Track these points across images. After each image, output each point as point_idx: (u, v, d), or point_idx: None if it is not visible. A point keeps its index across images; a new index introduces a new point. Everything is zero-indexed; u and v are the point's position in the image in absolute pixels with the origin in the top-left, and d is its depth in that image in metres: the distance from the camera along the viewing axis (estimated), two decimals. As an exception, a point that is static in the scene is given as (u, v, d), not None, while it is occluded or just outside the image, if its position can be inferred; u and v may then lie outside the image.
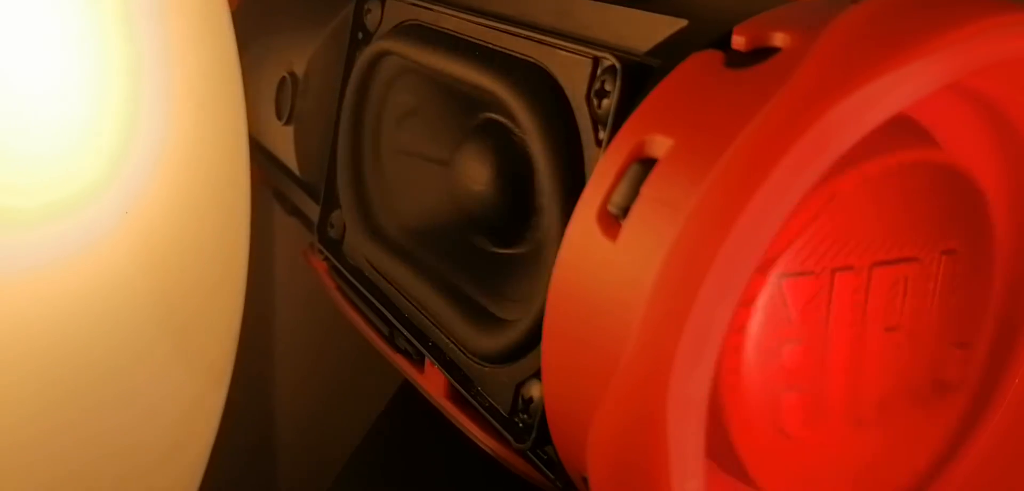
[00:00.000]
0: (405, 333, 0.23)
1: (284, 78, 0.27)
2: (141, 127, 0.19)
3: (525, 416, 0.18)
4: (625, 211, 0.14)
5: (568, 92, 0.17)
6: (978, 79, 0.16)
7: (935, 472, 0.18)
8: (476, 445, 0.23)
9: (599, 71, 0.17)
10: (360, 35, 0.25)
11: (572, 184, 0.17)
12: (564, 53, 0.18)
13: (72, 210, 0.18)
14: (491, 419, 0.19)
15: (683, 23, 0.17)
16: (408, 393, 0.29)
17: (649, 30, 0.17)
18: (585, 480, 0.16)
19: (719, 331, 0.13)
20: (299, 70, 0.26)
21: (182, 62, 0.20)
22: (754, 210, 0.12)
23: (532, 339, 0.18)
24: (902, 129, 0.16)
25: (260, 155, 0.29)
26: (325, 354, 0.35)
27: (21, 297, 0.17)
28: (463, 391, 0.20)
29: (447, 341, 0.21)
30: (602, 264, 0.14)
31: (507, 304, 0.20)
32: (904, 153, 0.15)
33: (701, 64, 0.15)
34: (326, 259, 0.26)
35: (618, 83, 0.16)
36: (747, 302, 0.14)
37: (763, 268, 0.14)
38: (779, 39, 0.14)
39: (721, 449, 0.15)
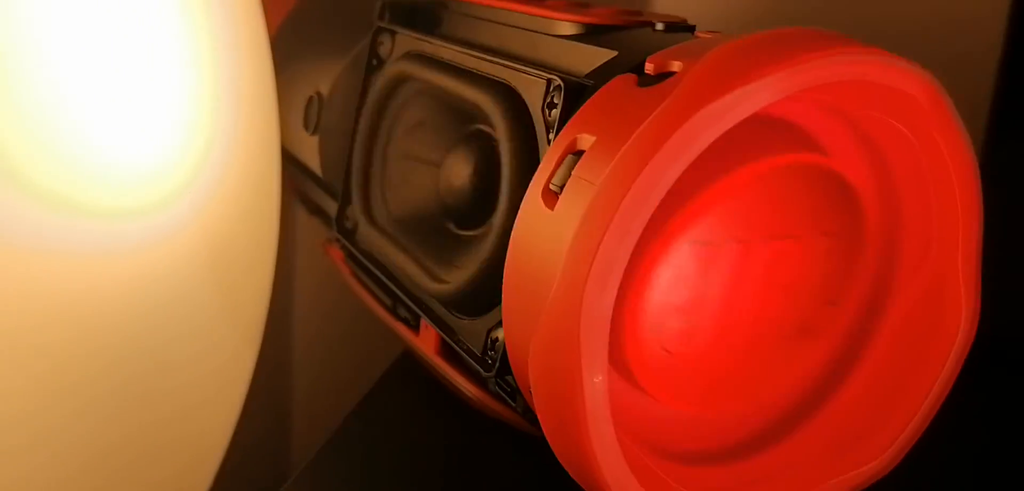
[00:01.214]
0: (406, 302, 0.28)
1: (312, 97, 0.32)
2: (217, 138, 0.24)
3: (492, 353, 0.23)
4: (561, 188, 0.20)
5: (529, 105, 0.23)
6: (837, 99, 0.21)
7: (816, 401, 0.23)
8: (460, 402, 0.28)
9: (550, 89, 0.22)
10: (375, 61, 0.30)
11: (524, 178, 0.22)
12: (526, 76, 0.23)
13: (162, 207, 0.23)
14: (469, 360, 0.25)
15: (614, 54, 0.22)
16: (403, 366, 0.34)
17: (588, 59, 0.22)
18: (531, 392, 0.21)
19: (619, 267, 0.18)
20: (325, 90, 0.31)
21: (239, 84, 0.25)
22: (642, 183, 0.17)
23: (469, 294, 0.24)
24: (791, 137, 0.22)
25: (287, 162, 0.35)
26: (335, 330, 0.41)
27: (119, 269, 0.23)
28: (449, 341, 0.25)
29: (429, 303, 0.26)
30: (543, 226, 0.19)
31: (448, 270, 0.25)
32: (787, 156, 0.20)
33: (621, 83, 0.20)
34: (342, 247, 0.31)
35: (562, 98, 0.21)
36: (656, 260, 0.20)
37: (671, 236, 0.20)
38: (675, 66, 0.20)
39: (619, 362, 0.20)
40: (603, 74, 0.21)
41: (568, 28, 0.24)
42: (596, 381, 0.18)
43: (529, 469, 0.26)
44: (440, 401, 0.29)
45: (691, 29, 0.24)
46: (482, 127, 0.26)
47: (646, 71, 0.20)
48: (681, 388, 0.21)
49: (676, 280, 0.20)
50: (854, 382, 0.23)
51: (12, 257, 0.20)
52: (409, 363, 0.32)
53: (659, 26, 0.23)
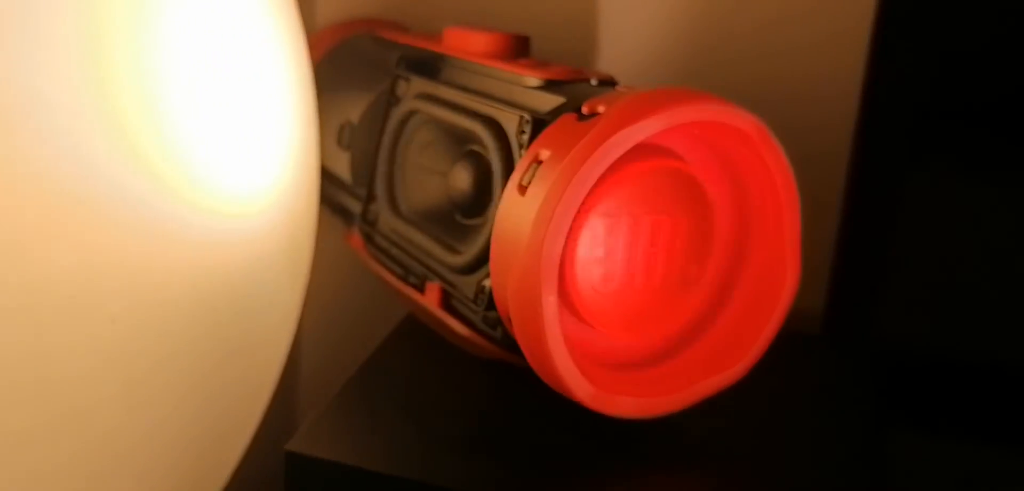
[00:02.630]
0: (416, 269, 0.39)
1: (344, 123, 0.43)
2: (295, 169, 0.35)
3: (482, 296, 0.34)
4: (529, 183, 0.31)
5: (507, 132, 0.34)
6: (701, 132, 0.33)
7: (697, 331, 0.35)
8: (453, 348, 0.39)
9: (522, 122, 0.33)
10: (393, 99, 0.41)
11: (506, 180, 0.34)
12: (506, 112, 0.34)
13: (263, 214, 0.33)
14: (463, 307, 0.36)
15: (563, 100, 0.33)
16: (404, 328, 0.45)
17: (546, 102, 0.34)
18: (509, 319, 0.32)
19: (564, 229, 0.29)
20: (354, 118, 0.43)
21: (305, 128, 0.37)
22: (576, 181, 0.29)
23: (476, 261, 0.35)
24: (661, 151, 0.33)
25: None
26: (344, 301, 0.53)
27: (233, 251, 0.32)
28: (450, 293, 0.37)
29: (439, 269, 0.38)
30: (517, 208, 0.31)
31: (462, 246, 0.36)
32: (655, 162, 0.31)
33: (567, 119, 0.32)
34: (364, 233, 0.43)
35: (530, 127, 0.33)
36: (580, 226, 0.31)
37: (588, 210, 0.31)
38: (601, 108, 0.31)
39: (569, 303, 0.32)
40: (556, 113, 0.33)
41: (533, 81, 0.35)
42: (550, 299, 0.29)
43: (505, 395, 0.37)
44: (434, 350, 0.40)
45: (613, 84, 0.35)
46: (474, 147, 0.37)
47: (582, 112, 0.32)
48: (608, 318, 0.31)
49: (594, 240, 0.31)
50: (721, 319, 0.35)
51: (170, 240, 0.30)
52: (409, 326, 0.43)
53: (594, 81, 0.35)
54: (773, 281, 0.34)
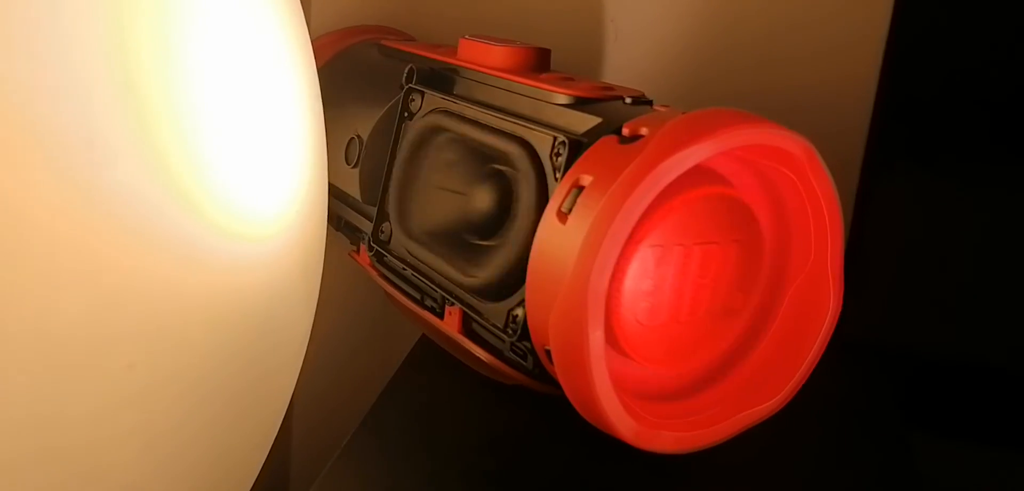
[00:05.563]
0: (432, 294, 0.37)
1: (352, 138, 0.41)
2: (309, 192, 0.33)
3: (513, 325, 0.33)
4: (570, 210, 0.29)
5: (540, 153, 0.32)
6: (746, 154, 0.31)
7: (735, 360, 0.33)
8: (473, 374, 0.37)
9: (556, 143, 0.32)
10: (407, 114, 0.39)
11: (538, 204, 0.32)
12: (538, 133, 0.33)
13: (278, 237, 0.31)
14: (489, 334, 0.34)
15: (599, 120, 0.32)
16: (420, 353, 0.43)
17: (581, 123, 0.32)
18: (548, 352, 0.31)
19: (611, 261, 0.27)
20: (363, 133, 0.41)
21: (317, 153, 0.35)
22: (625, 211, 0.27)
23: (498, 286, 0.33)
24: (709, 177, 0.31)
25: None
26: (349, 323, 0.51)
27: (252, 274, 0.31)
28: (474, 319, 0.35)
29: (461, 293, 0.36)
30: (558, 237, 0.29)
31: (474, 269, 0.34)
32: (708, 189, 0.30)
33: (607, 141, 0.30)
34: (376, 253, 0.40)
35: (566, 149, 0.31)
36: (628, 258, 0.29)
37: (637, 242, 0.29)
38: (644, 130, 0.30)
39: (611, 335, 0.30)
40: (593, 134, 0.31)
41: (563, 99, 0.34)
42: (597, 335, 0.28)
43: (528, 420, 0.35)
44: (452, 378, 0.38)
45: (648, 103, 0.34)
46: (497, 167, 0.35)
47: (623, 133, 0.30)
48: (650, 351, 0.30)
49: (643, 272, 0.29)
50: (759, 348, 0.34)
51: (193, 261, 0.28)
52: (423, 351, 0.42)
53: (627, 100, 0.33)
54: (814, 308, 0.33)
